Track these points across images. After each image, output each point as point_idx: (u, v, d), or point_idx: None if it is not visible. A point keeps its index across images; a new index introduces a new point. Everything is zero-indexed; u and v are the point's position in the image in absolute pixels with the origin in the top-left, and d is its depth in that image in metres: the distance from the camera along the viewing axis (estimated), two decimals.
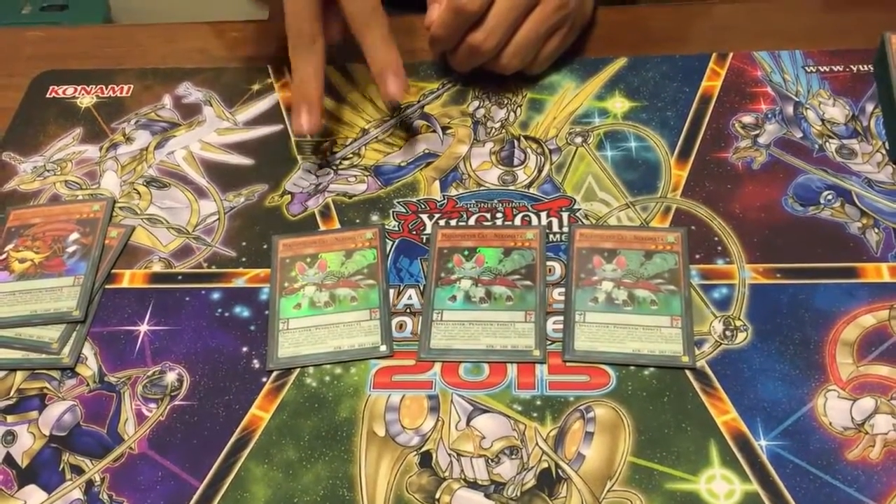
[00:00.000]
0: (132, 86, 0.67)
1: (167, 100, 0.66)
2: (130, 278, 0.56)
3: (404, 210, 0.58)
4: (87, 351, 0.52)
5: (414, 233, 0.56)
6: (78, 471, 0.48)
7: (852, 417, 0.47)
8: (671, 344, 0.49)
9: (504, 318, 0.51)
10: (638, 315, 0.51)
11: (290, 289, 0.54)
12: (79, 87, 0.67)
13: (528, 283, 0.53)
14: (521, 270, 0.53)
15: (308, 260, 0.55)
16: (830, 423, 0.46)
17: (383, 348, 0.51)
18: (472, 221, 0.57)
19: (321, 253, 0.55)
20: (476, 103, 0.64)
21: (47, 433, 0.49)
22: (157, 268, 0.56)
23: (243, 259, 0.56)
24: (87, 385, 0.51)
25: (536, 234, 0.55)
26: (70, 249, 0.57)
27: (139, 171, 0.62)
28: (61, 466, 0.48)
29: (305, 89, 0.58)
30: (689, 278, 0.52)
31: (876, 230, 0.54)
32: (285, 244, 0.56)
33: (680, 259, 0.53)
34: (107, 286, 0.55)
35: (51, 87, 0.68)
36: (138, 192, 0.61)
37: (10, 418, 0.50)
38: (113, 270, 0.56)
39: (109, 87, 0.67)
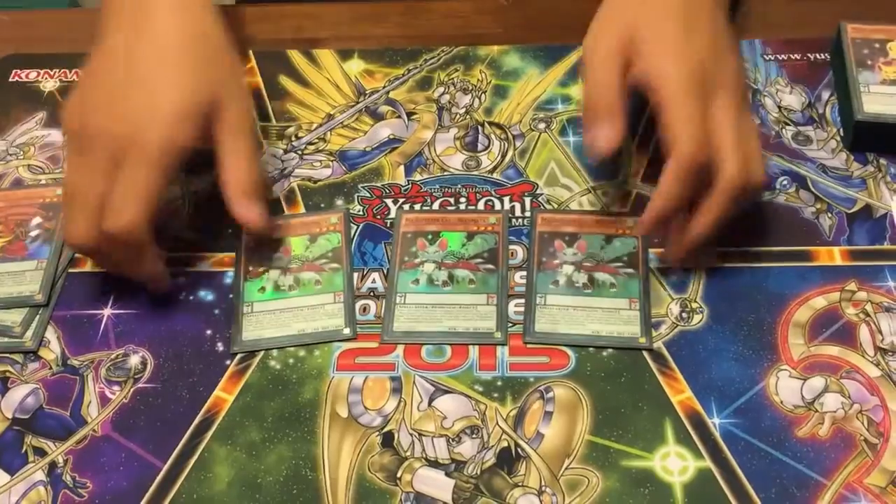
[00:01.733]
0: None
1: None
2: (94, 262, 0.56)
3: (369, 195, 0.58)
4: (50, 334, 0.52)
5: (378, 217, 0.57)
6: (41, 453, 0.48)
7: (803, 396, 0.48)
8: (629, 326, 0.50)
9: (466, 300, 0.52)
10: (597, 298, 0.52)
11: (255, 272, 0.54)
12: (42, 72, 0.67)
13: (490, 266, 0.53)
14: (483, 254, 0.54)
15: (272, 244, 0.55)
16: (781, 402, 0.48)
17: (347, 331, 0.51)
18: (436, 206, 0.57)
19: (286, 237, 0.56)
20: (441, 89, 0.64)
21: (10, 416, 0.49)
22: None
23: (207, 243, 0.56)
24: (50, 368, 0.51)
25: (499, 219, 0.56)
26: (33, 234, 0.56)
27: None
28: (24, 448, 0.48)
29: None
30: (648, 262, 0.53)
31: (829, 215, 0.55)
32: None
33: (639, 243, 0.54)
34: (70, 270, 0.55)
35: (14, 71, 0.67)
36: None
37: None
38: (76, 254, 0.56)
39: (73, 71, 0.67)
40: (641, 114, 0.61)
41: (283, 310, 0.52)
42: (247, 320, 0.52)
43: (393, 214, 0.57)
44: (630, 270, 0.53)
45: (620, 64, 0.50)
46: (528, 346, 0.50)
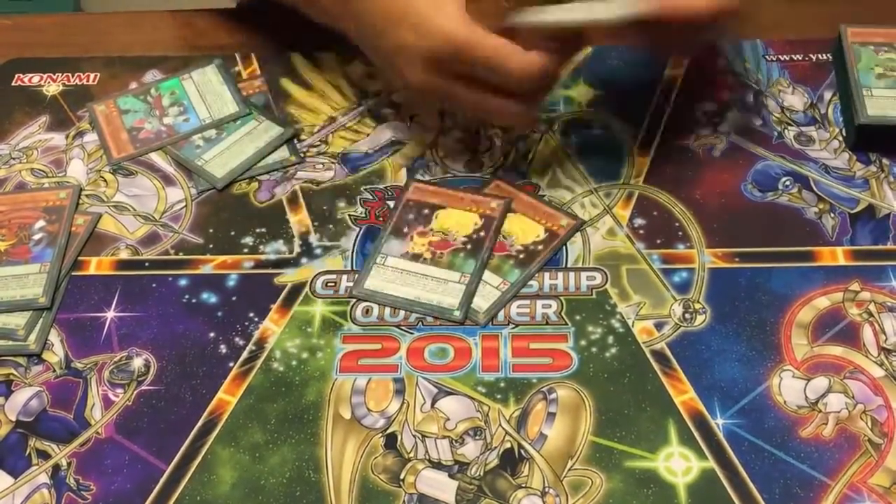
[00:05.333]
0: (99, 74, 0.67)
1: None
2: (97, 265, 0.56)
3: (371, 197, 0.58)
4: (54, 337, 0.53)
5: (381, 219, 0.57)
6: (44, 456, 0.48)
7: (806, 396, 0.48)
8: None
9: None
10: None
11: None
12: (45, 76, 0.67)
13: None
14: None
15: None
16: (785, 402, 0.48)
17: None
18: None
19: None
20: None
21: (13, 419, 0.50)
22: (124, 255, 0.56)
23: (210, 246, 0.56)
24: (54, 371, 0.51)
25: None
26: (36, 237, 0.57)
27: (106, 159, 0.62)
28: (28, 451, 0.48)
29: None
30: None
31: (832, 215, 0.55)
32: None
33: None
34: (73, 273, 0.56)
35: (16, 76, 0.67)
36: (105, 180, 0.61)
37: None
38: (79, 257, 0.56)
39: (76, 75, 0.67)
40: (642, 113, 0.62)
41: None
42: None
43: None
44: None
45: None
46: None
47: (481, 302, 0.52)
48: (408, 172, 0.60)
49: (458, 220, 0.55)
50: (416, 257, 0.54)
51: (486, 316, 0.51)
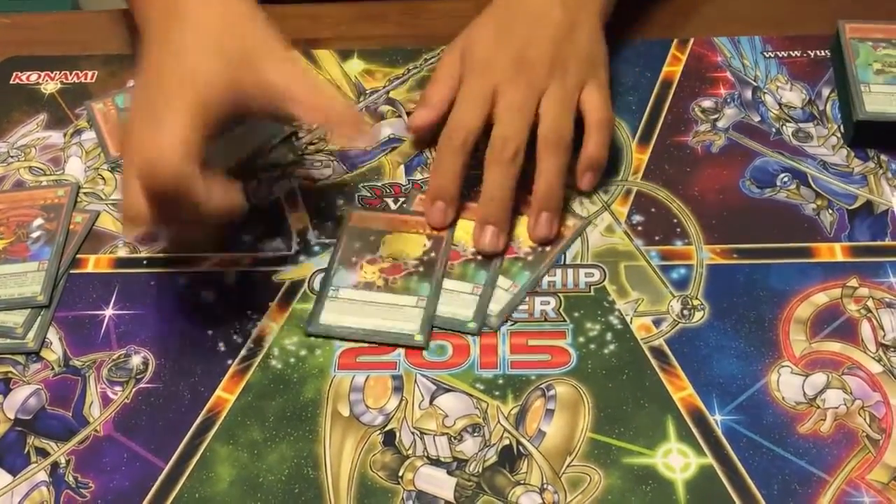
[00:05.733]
0: (97, 72, 0.67)
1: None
2: (95, 263, 0.56)
3: (370, 194, 0.58)
4: (52, 335, 0.53)
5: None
6: (43, 453, 0.48)
7: (804, 392, 0.48)
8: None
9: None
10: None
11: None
12: (43, 73, 0.67)
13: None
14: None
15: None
16: (783, 398, 0.48)
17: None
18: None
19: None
20: None
21: (12, 417, 0.50)
22: (122, 252, 0.56)
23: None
24: (52, 369, 0.51)
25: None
26: (34, 235, 0.57)
27: (104, 157, 0.62)
28: (26, 449, 0.48)
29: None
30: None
31: (830, 211, 0.55)
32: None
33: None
34: (72, 271, 0.56)
35: (14, 74, 0.67)
36: (103, 178, 0.61)
37: None
38: (78, 255, 0.56)
39: (74, 73, 0.67)
40: (639, 110, 0.61)
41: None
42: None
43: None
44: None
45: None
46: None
47: (493, 306, 0.52)
48: (405, 169, 0.60)
49: (406, 244, 0.55)
50: (368, 286, 0.53)
51: (499, 319, 0.51)
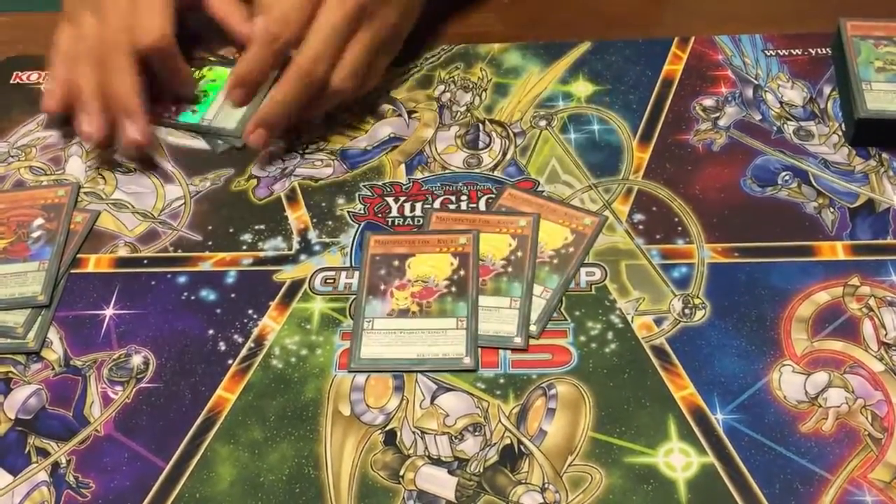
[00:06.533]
0: None
1: None
2: (96, 263, 0.56)
3: (370, 193, 0.58)
4: (53, 335, 0.53)
5: (380, 216, 0.57)
6: (44, 453, 0.48)
7: (806, 391, 0.48)
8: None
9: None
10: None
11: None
12: (43, 73, 0.67)
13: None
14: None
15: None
16: (785, 397, 0.48)
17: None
18: (437, 204, 0.57)
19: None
20: (441, 87, 0.64)
21: (13, 417, 0.49)
22: (123, 252, 0.56)
23: (209, 243, 0.56)
24: (53, 369, 0.51)
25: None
26: (35, 234, 0.57)
27: (104, 156, 0.62)
28: (27, 449, 0.48)
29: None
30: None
31: (831, 210, 0.55)
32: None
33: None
34: (72, 271, 0.55)
35: (14, 74, 0.67)
36: (103, 177, 0.61)
37: None
38: (78, 255, 0.56)
39: None
40: (641, 108, 0.61)
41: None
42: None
43: (394, 213, 0.57)
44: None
45: None
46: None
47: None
48: (406, 168, 0.59)
49: (433, 264, 0.54)
50: (403, 312, 0.51)
51: (538, 327, 0.51)
